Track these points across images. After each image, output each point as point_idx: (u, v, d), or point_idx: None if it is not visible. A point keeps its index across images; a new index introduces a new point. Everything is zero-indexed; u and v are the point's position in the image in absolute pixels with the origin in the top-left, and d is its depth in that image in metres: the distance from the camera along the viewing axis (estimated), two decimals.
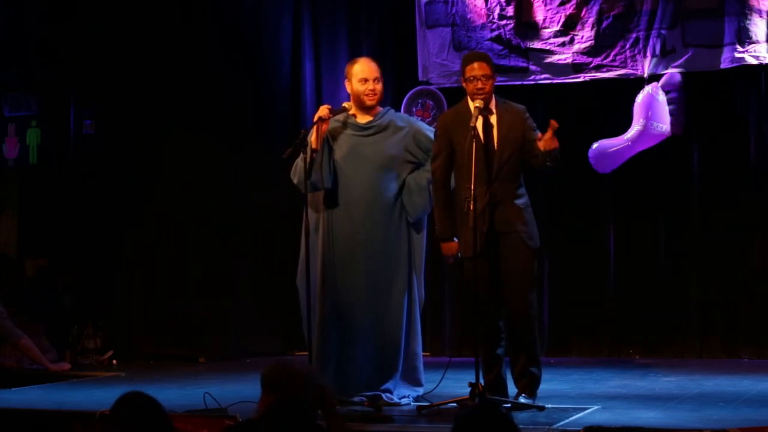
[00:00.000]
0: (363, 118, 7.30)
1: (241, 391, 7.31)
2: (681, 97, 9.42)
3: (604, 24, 9.56)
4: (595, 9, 9.58)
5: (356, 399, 7.04)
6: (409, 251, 7.25)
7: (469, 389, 6.58)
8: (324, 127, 7.16)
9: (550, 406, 6.78)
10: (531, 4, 9.75)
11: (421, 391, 7.23)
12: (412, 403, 7.06)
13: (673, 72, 9.40)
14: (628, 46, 9.50)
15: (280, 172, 7.94)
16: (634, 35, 9.48)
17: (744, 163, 9.47)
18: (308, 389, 4.28)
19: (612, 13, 9.54)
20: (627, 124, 9.40)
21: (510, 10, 9.77)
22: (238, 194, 10.26)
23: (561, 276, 9.85)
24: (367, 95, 7.24)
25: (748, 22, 9.17)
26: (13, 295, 9.97)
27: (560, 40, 9.68)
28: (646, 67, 9.44)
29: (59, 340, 9.90)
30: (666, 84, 9.38)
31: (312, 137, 7.13)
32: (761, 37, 9.17)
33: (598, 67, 9.60)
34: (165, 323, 10.27)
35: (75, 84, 10.84)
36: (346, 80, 7.31)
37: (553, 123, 6.70)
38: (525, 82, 9.75)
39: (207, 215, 10.26)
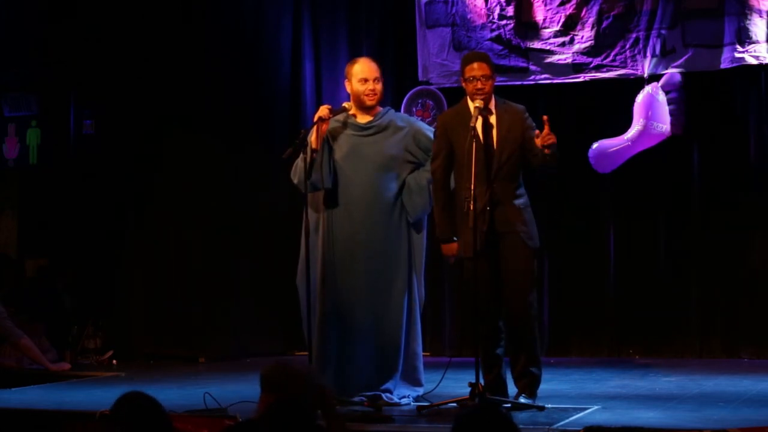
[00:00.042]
0: (363, 118, 7.30)
1: (241, 391, 7.31)
2: (681, 97, 9.42)
3: (604, 24, 9.56)
4: (595, 9, 9.58)
5: (356, 399, 7.04)
6: (409, 251, 7.25)
7: (469, 389, 6.58)
8: (324, 127, 7.16)
9: (550, 406, 6.78)
10: (531, 4, 9.75)
11: (421, 391, 7.23)
12: (412, 403, 7.06)
13: (673, 72, 9.40)
14: (628, 46, 9.50)
15: (280, 172, 7.94)
16: (634, 35, 9.48)
17: (744, 163, 9.47)
18: (308, 389, 4.28)
19: (612, 13, 9.54)
20: (627, 124, 9.40)
21: (510, 10, 9.77)
22: (238, 194, 10.26)
23: (561, 276, 9.85)
24: (367, 95, 7.23)
25: (748, 22, 9.17)
26: (13, 295, 9.97)
27: (560, 40, 9.68)
28: (646, 67, 9.45)
29: (59, 340, 9.90)
30: (666, 84, 9.38)
31: (312, 137, 7.13)
32: (761, 37, 9.17)
33: (598, 67, 9.60)
34: (165, 323, 10.27)
35: (75, 84, 10.84)
36: (346, 80, 7.31)
37: (545, 118, 6.69)
38: (525, 82, 9.75)
39: (207, 215, 10.26)
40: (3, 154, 11.23)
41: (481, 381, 6.63)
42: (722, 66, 9.29)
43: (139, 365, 9.89)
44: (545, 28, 9.72)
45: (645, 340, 9.71)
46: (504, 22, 9.80)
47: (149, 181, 10.47)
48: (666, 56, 9.42)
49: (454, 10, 9.93)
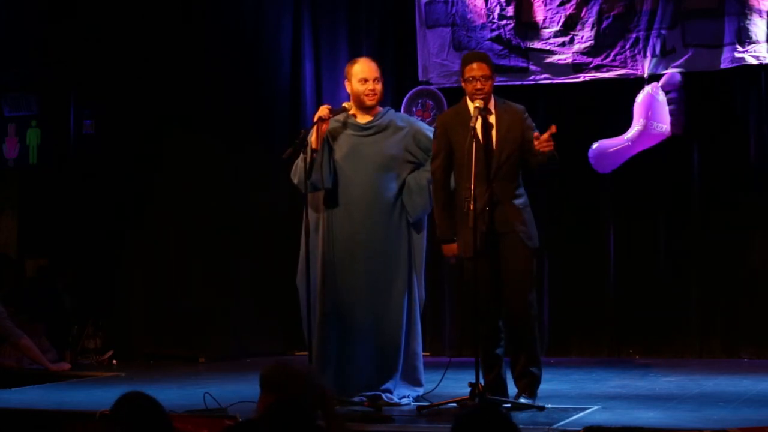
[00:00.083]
0: (363, 118, 7.30)
1: (241, 391, 7.31)
2: (681, 97, 9.42)
3: (604, 24, 9.56)
4: (595, 9, 9.58)
5: (356, 399, 7.04)
6: (409, 251, 7.25)
7: (469, 389, 6.58)
8: (324, 127, 7.16)
9: (550, 406, 6.78)
10: (531, 4, 9.75)
11: (421, 391, 7.23)
12: (412, 403, 7.06)
13: (673, 72, 9.40)
14: (628, 46, 9.50)
15: (280, 172, 7.94)
16: (634, 35, 9.48)
17: (744, 163, 9.47)
18: (308, 389, 4.28)
19: (612, 13, 9.54)
20: (627, 124, 9.40)
21: (510, 10, 9.77)
22: (238, 194, 10.26)
23: (561, 276, 9.85)
24: (367, 95, 7.23)
25: (748, 22, 9.18)
26: (13, 295, 9.97)
27: (560, 40, 9.68)
28: (646, 67, 9.45)
29: (59, 340, 9.90)
30: (666, 84, 9.38)
31: (312, 137, 7.13)
32: (761, 37, 9.17)
33: (598, 67, 9.60)
34: (165, 323, 10.27)
35: (75, 84, 10.84)
36: (346, 80, 7.31)
37: (553, 128, 6.68)
38: (525, 82, 9.75)
39: (207, 215, 10.26)
40: (3, 154, 11.23)
41: (481, 381, 6.63)
42: (722, 66, 9.29)
43: (139, 365, 9.89)
44: (545, 28, 9.72)
45: (645, 340, 9.71)
46: (504, 22, 9.80)
47: (149, 181, 10.47)
48: (666, 56, 9.42)
49: (454, 10, 9.93)
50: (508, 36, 9.79)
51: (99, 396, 7.60)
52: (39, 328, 9.75)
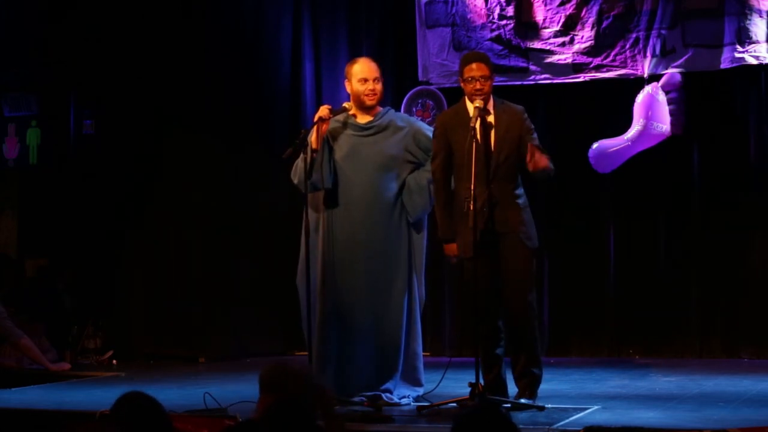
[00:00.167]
0: (363, 118, 7.30)
1: (241, 391, 7.31)
2: (681, 97, 9.42)
3: (604, 24, 9.56)
4: (595, 9, 9.58)
5: (356, 399, 7.04)
6: (409, 251, 7.25)
7: (469, 389, 6.58)
8: (324, 127, 7.16)
9: (550, 406, 6.78)
10: (531, 4, 9.75)
11: (421, 391, 7.23)
12: (412, 403, 7.06)
13: (673, 72, 9.40)
14: (628, 46, 9.50)
15: (280, 172, 7.94)
16: (634, 35, 9.48)
17: (744, 163, 9.47)
18: (307, 389, 4.28)
19: (612, 13, 9.54)
20: (627, 124, 9.40)
21: (510, 10, 9.77)
22: (238, 194, 10.26)
23: (561, 276, 9.85)
24: (367, 95, 7.23)
25: (748, 22, 9.17)
26: (13, 295, 9.97)
27: (560, 40, 9.68)
28: (646, 67, 9.45)
29: (59, 340, 9.90)
30: (666, 84, 9.38)
31: (312, 137, 7.13)
32: (761, 37, 9.17)
33: (598, 67, 9.60)
34: (165, 323, 10.27)
35: (75, 84, 10.84)
36: (346, 80, 7.31)
37: (530, 151, 6.67)
38: (525, 82, 9.75)
39: (207, 215, 10.26)
40: (3, 154, 11.23)
41: (481, 381, 6.63)
42: (722, 66, 9.29)
43: (139, 365, 9.89)
44: (545, 28, 9.71)
45: (645, 340, 9.71)
46: (504, 22, 9.80)
47: (149, 181, 10.47)
48: (666, 56, 9.42)
49: (454, 10, 9.93)
50: (508, 36, 9.79)
51: (99, 396, 7.60)
52: (39, 328, 9.75)
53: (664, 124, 9.34)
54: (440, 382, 7.13)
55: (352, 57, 8.40)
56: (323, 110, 7.18)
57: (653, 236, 9.72)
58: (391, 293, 7.16)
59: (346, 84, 7.31)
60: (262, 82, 10.47)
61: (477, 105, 6.79)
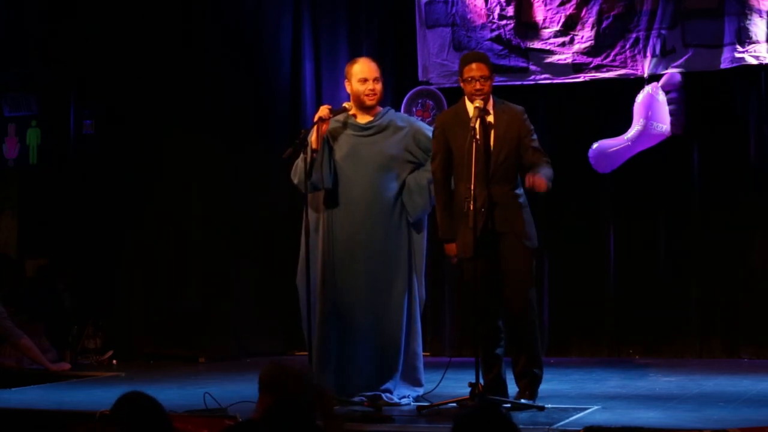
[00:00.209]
0: (363, 118, 7.30)
1: (241, 391, 7.30)
2: (681, 97, 9.42)
3: (604, 24, 9.56)
4: (595, 9, 9.58)
5: (356, 399, 7.04)
6: (409, 251, 7.25)
7: (469, 389, 6.58)
8: (324, 127, 7.16)
9: (550, 406, 6.78)
10: (531, 4, 9.75)
11: (421, 391, 7.23)
12: (412, 403, 7.06)
13: (673, 72, 9.40)
14: (628, 46, 9.50)
15: (280, 172, 7.94)
16: (634, 35, 9.48)
17: (744, 163, 9.47)
18: (307, 389, 4.28)
19: (612, 13, 9.53)
20: (627, 124, 9.40)
21: (510, 10, 9.77)
22: (238, 194, 10.26)
23: (561, 276, 9.85)
24: (366, 95, 7.23)
25: (748, 22, 9.17)
26: (13, 295, 9.97)
27: (560, 40, 9.68)
28: (646, 67, 9.45)
29: (59, 340, 9.90)
30: (666, 84, 9.38)
31: (312, 137, 7.13)
32: (761, 37, 9.17)
33: (598, 67, 9.60)
34: (165, 323, 10.26)
35: (75, 84, 10.84)
36: (346, 80, 7.31)
37: (528, 177, 6.69)
38: (525, 82, 9.75)
39: (207, 215, 10.26)
40: (3, 154, 11.23)
41: (481, 381, 6.63)
42: (722, 66, 9.29)
43: (139, 365, 9.89)
44: (545, 28, 9.71)
45: (645, 340, 9.71)
46: (504, 22, 9.80)
47: (149, 181, 10.47)
48: (666, 56, 9.42)
49: (454, 10, 9.93)
50: (508, 36, 9.79)
51: (99, 396, 7.60)
52: (39, 328, 9.75)
53: (664, 124, 9.34)
54: (440, 382, 7.13)
55: (352, 57, 8.40)
56: (323, 110, 7.18)
57: (653, 236, 9.72)
58: (391, 293, 7.16)
59: (346, 84, 7.31)
60: (262, 82, 10.47)
61: (477, 105, 6.79)
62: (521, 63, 9.78)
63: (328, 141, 7.21)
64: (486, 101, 6.87)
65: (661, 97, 9.34)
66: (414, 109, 10.03)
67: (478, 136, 6.69)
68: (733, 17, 9.21)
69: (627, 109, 9.41)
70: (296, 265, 7.32)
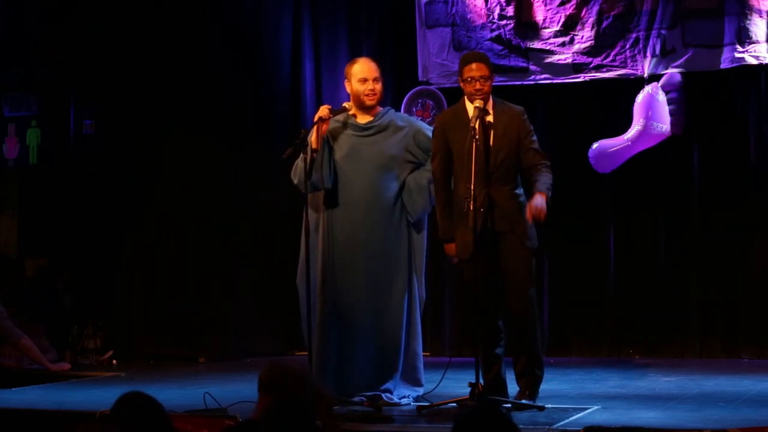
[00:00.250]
0: (363, 119, 7.29)
1: (241, 391, 7.30)
2: (681, 97, 9.42)
3: (604, 24, 9.56)
4: (595, 9, 9.58)
5: (356, 399, 7.04)
6: (409, 251, 7.25)
7: (469, 389, 6.58)
8: (324, 127, 7.16)
9: (550, 406, 6.77)
10: (531, 4, 9.75)
11: (421, 391, 7.23)
12: (412, 403, 7.05)
13: (673, 72, 9.40)
14: (628, 46, 9.50)
15: (280, 172, 7.94)
16: (634, 35, 9.48)
17: (744, 163, 9.47)
18: (307, 389, 4.28)
19: (612, 13, 9.53)
20: (627, 124, 9.40)
21: (510, 10, 9.77)
22: (238, 194, 10.26)
23: (561, 276, 9.85)
24: (366, 95, 7.23)
25: (748, 22, 9.17)
26: (13, 295, 9.97)
27: (560, 40, 9.68)
28: (646, 67, 9.45)
29: (59, 340, 9.90)
30: (666, 84, 9.38)
31: (312, 137, 7.13)
32: (761, 37, 9.17)
33: (598, 67, 9.60)
34: (165, 323, 10.27)
35: (75, 84, 10.84)
36: (346, 80, 7.30)
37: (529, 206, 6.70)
38: (525, 82, 9.75)
39: (207, 215, 10.26)
40: (3, 154, 11.23)
41: (481, 381, 6.63)
42: (722, 66, 9.29)
43: (139, 365, 9.89)
44: (545, 28, 9.72)
45: (645, 340, 9.71)
46: (504, 22, 9.80)
47: (149, 181, 10.47)
48: (666, 56, 9.42)
49: (454, 10, 9.93)
50: (508, 36, 9.79)
51: (99, 396, 7.60)
52: (39, 328, 9.75)
53: (664, 124, 9.34)
54: (440, 382, 7.13)
55: (352, 57, 8.40)
56: (323, 110, 7.18)
57: (653, 236, 9.72)
58: (391, 293, 7.16)
59: (346, 84, 7.31)
60: (262, 82, 10.47)
61: (477, 105, 6.79)
62: (521, 63, 9.78)
63: (328, 141, 7.21)
64: (486, 101, 6.87)
65: (661, 97, 9.34)
66: (414, 109, 10.03)
67: (477, 136, 6.69)
68: (733, 17, 9.21)
69: (627, 109, 9.41)
70: (296, 265, 7.32)
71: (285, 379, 4.29)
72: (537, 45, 9.73)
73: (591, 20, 9.59)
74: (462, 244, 6.77)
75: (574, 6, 9.62)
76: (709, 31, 9.29)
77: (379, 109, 7.32)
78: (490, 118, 6.86)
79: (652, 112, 9.32)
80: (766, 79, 9.40)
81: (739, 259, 9.51)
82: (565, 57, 9.67)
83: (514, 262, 6.82)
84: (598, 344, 9.82)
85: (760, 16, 9.17)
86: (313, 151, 7.10)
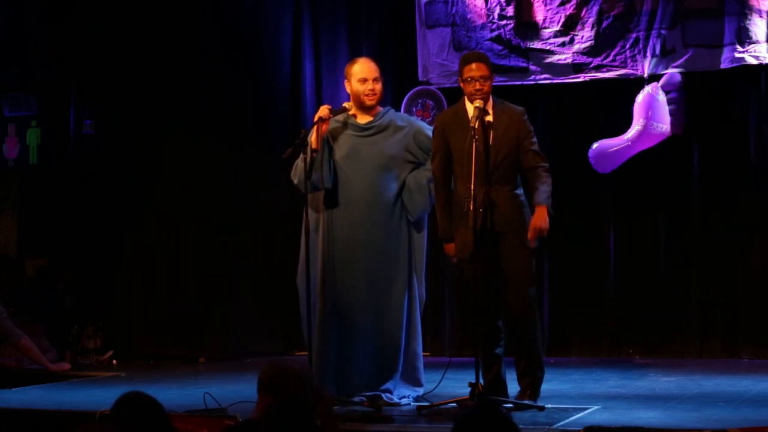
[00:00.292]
0: (363, 119, 7.29)
1: (241, 391, 7.30)
2: (681, 97, 9.42)
3: (604, 24, 9.56)
4: (595, 9, 9.58)
5: (356, 399, 7.04)
6: (409, 251, 7.25)
7: (469, 389, 6.58)
8: (324, 127, 7.16)
9: (550, 406, 6.78)
10: (531, 4, 9.75)
11: (421, 391, 7.23)
12: (412, 403, 7.05)
13: (673, 72, 9.40)
14: (628, 46, 9.50)
15: (280, 172, 7.94)
16: (634, 35, 9.48)
17: (744, 163, 9.47)
18: (307, 389, 4.29)
19: (612, 13, 9.53)
20: (627, 124, 9.40)
21: (510, 10, 9.77)
22: (238, 194, 10.26)
23: (561, 276, 9.85)
24: (366, 95, 7.23)
25: (748, 22, 9.17)
26: (13, 295, 9.97)
27: (560, 40, 9.68)
28: (646, 67, 9.44)
29: (59, 340, 9.90)
30: (666, 84, 9.38)
31: (312, 137, 7.13)
32: (761, 37, 9.17)
33: (598, 67, 9.60)
34: (165, 323, 10.27)
35: (75, 84, 10.84)
36: (346, 80, 7.30)
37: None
38: (525, 82, 9.75)
39: (207, 215, 10.26)
40: (3, 154, 11.23)
41: (481, 381, 6.63)
42: (722, 66, 9.28)
43: (139, 365, 9.89)
44: (545, 28, 9.71)
45: (645, 340, 9.71)
46: (504, 22, 9.80)
47: (149, 181, 10.47)
48: (666, 56, 9.42)
49: (454, 10, 9.93)
50: (508, 36, 9.79)
51: (99, 396, 7.60)
52: (39, 328, 9.75)
53: (664, 124, 9.34)
54: (440, 382, 7.13)
55: (352, 57, 8.40)
56: (323, 110, 7.18)
57: (653, 236, 9.72)
58: (391, 293, 7.16)
59: (346, 84, 7.31)
60: (262, 82, 10.47)
61: (476, 105, 6.79)
62: (521, 63, 9.78)
63: (328, 141, 7.21)
64: (486, 101, 6.87)
65: (661, 97, 9.34)
66: (414, 109, 10.03)
67: (477, 137, 6.69)
68: (733, 17, 9.21)
69: (627, 109, 9.41)
70: (296, 265, 7.32)
71: (285, 379, 4.29)
72: (537, 45, 9.73)
73: (591, 20, 9.59)
74: (462, 244, 6.77)
75: (574, 6, 9.62)
76: (709, 31, 9.28)
77: (379, 109, 7.32)
78: (489, 118, 6.86)
79: (652, 112, 9.32)
80: (766, 79, 9.39)
81: (739, 259, 9.51)
82: (565, 57, 9.67)
83: (514, 262, 6.82)
84: (598, 344, 9.82)
85: (760, 16, 9.17)
86: (313, 151, 7.10)
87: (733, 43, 9.21)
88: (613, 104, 9.63)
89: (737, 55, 9.21)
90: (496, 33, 9.81)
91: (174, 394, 7.66)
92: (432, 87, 10.05)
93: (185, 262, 10.32)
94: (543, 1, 9.72)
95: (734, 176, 9.48)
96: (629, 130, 9.38)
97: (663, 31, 9.40)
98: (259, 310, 10.31)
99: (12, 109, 11.19)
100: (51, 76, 10.90)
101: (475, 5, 9.88)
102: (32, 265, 10.85)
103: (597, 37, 9.57)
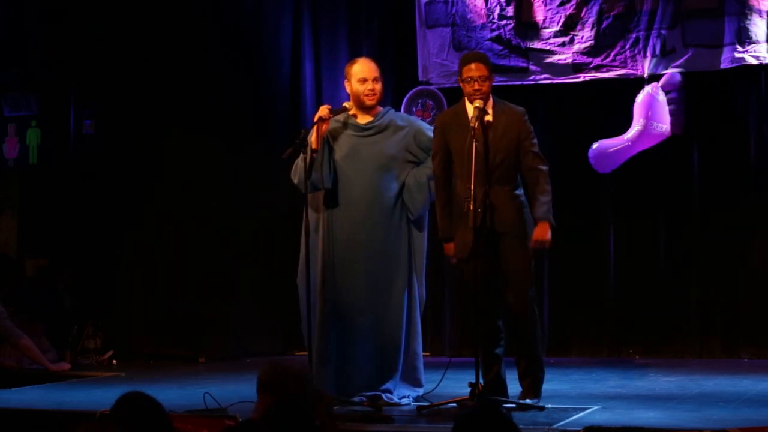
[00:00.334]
0: (363, 119, 7.29)
1: (241, 391, 7.29)
2: (681, 97, 9.42)
3: (604, 24, 9.56)
4: (595, 9, 9.58)
5: (356, 399, 7.04)
6: (409, 251, 7.24)
7: (469, 389, 6.58)
8: (324, 127, 7.16)
9: (550, 406, 6.77)
10: (531, 4, 9.75)
11: (421, 391, 7.23)
12: (412, 403, 7.05)
13: (673, 72, 9.40)
14: (628, 46, 9.50)
15: (280, 172, 7.94)
16: (634, 35, 9.48)
17: (744, 163, 9.47)
18: (307, 389, 4.29)
19: (612, 13, 9.54)
20: (627, 124, 9.40)
21: (510, 10, 9.77)
22: (238, 194, 10.26)
23: (561, 276, 9.85)
24: (366, 95, 7.23)
25: (748, 22, 9.18)
26: (13, 295, 9.97)
27: (560, 40, 9.68)
28: (646, 67, 9.45)
29: (59, 340, 9.90)
30: (666, 84, 9.38)
31: (312, 137, 7.13)
32: (761, 37, 9.17)
33: (598, 67, 9.60)
34: (165, 323, 10.27)
35: (75, 84, 10.84)
36: (346, 80, 7.30)
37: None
38: (525, 82, 9.75)
39: (207, 215, 10.26)
40: (3, 154, 11.23)
41: (481, 381, 6.63)
42: (722, 66, 9.29)
43: (139, 365, 9.89)
44: (545, 28, 9.72)
45: (645, 340, 9.71)
46: (504, 22, 9.80)
47: (149, 181, 10.47)
48: (666, 56, 9.42)
49: (454, 10, 9.93)
50: (508, 36, 9.79)
51: (99, 396, 7.60)
52: (39, 328, 9.75)
53: (664, 124, 9.34)
54: (440, 382, 7.13)
55: (352, 57, 8.40)
56: (323, 110, 7.18)
57: (653, 236, 9.72)
58: (391, 293, 7.16)
59: (346, 84, 7.31)
60: (262, 82, 10.47)
61: (476, 105, 6.79)
62: (521, 63, 9.78)
63: (328, 141, 7.21)
64: (485, 101, 6.86)
65: (661, 97, 9.34)
66: (414, 109, 10.03)
67: (477, 137, 6.69)
68: (733, 17, 9.21)
69: (627, 109, 9.41)
70: (296, 265, 7.32)
71: (285, 379, 4.29)
72: (537, 45, 9.73)
73: (591, 20, 9.59)
74: (462, 244, 6.77)
75: (574, 6, 9.62)
76: (709, 31, 9.29)
77: (379, 109, 7.32)
78: (489, 118, 6.86)
79: (652, 112, 9.32)
80: (766, 79, 9.40)
81: (739, 259, 9.51)
82: (565, 57, 9.67)
83: (514, 262, 6.82)
84: (598, 344, 9.82)
85: (760, 16, 9.17)
86: (313, 151, 7.10)
87: (733, 43, 9.21)
88: (613, 104, 9.64)
89: (737, 55, 9.21)
90: (496, 33, 9.82)
91: (174, 394, 7.66)
92: (432, 87, 10.05)
93: (185, 262, 10.32)
94: (543, 1, 9.72)
95: (734, 176, 9.48)
96: (629, 130, 9.38)
97: (663, 31, 9.40)
98: (259, 310, 10.31)
99: (12, 109, 11.20)
100: (51, 76, 10.91)
101: (475, 5, 9.88)
102: (32, 265, 10.85)
103: (597, 37, 9.57)
